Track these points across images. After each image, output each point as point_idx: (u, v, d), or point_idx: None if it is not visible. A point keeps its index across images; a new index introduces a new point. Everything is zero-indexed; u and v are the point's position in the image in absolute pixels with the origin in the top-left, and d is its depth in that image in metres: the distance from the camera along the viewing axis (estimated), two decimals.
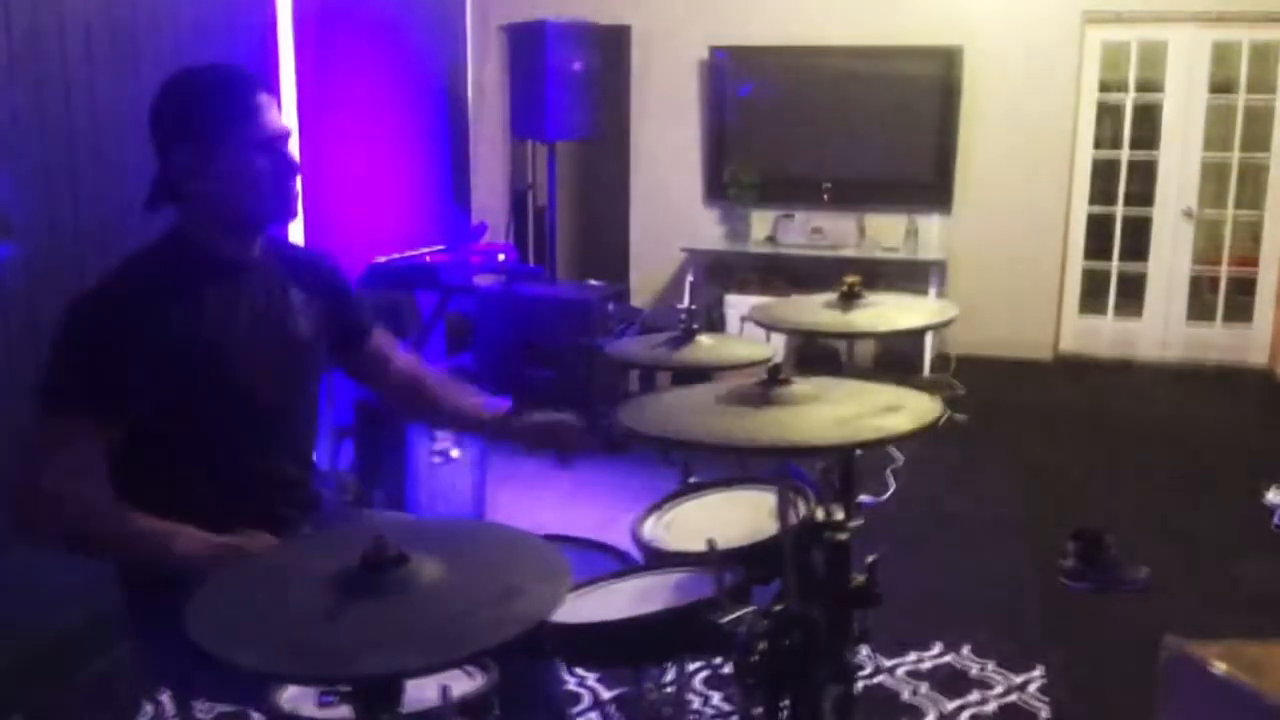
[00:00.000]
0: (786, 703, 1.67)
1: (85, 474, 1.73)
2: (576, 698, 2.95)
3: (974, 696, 2.99)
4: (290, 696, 1.55)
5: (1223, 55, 6.55)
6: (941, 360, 6.58)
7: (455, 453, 4.02)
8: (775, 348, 2.56)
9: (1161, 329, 6.85)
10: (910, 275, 6.50)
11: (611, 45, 6.81)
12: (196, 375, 1.81)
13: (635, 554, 2.02)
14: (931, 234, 6.81)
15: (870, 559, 1.77)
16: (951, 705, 2.95)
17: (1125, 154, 6.77)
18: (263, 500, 1.91)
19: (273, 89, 1.93)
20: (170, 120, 1.85)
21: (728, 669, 1.67)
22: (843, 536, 1.71)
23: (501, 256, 5.96)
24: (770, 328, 2.50)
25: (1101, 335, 6.93)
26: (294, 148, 1.94)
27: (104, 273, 1.87)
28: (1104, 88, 6.71)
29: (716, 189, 7.10)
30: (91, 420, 1.75)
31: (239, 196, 1.86)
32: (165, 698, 2.87)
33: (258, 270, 1.95)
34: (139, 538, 1.73)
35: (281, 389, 1.96)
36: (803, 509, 1.88)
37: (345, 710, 1.32)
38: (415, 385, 2.26)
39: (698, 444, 1.72)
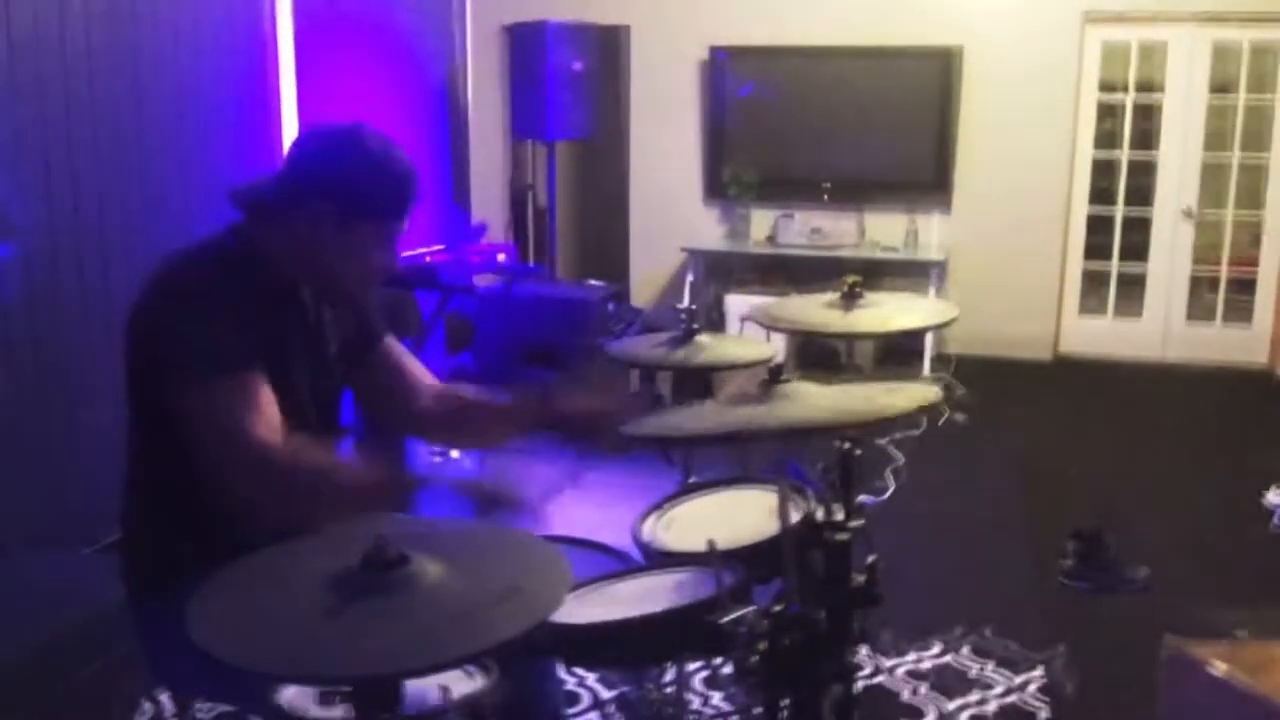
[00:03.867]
0: (786, 703, 1.67)
1: (277, 424, 1.70)
2: (576, 698, 2.95)
3: (974, 696, 2.99)
4: (290, 696, 1.55)
5: (1222, 55, 6.54)
6: (941, 360, 6.58)
7: (455, 453, 4.02)
8: (775, 347, 2.56)
9: (1161, 329, 6.85)
10: (910, 275, 6.50)
11: (611, 45, 6.82)
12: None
13: (635, 554, 2.02)
14: (931, 234, 6.81)
15: (870, 559, 1.77)
16: (952, 705, 2.94)
17: (1125, 154, 6.76)
18: None
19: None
20: (334, 174, 1.82)
21: (728, 669, 1.67)
22: (843, 536, 1.71)
23: (501, 256, 5.95)
24: (770, 327, 2.50)
25: (1101, 335, 6.93)
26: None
27: (185, 260, 1.83)
28: (1104, 88, 6.70)
29: (716, 189, 7.10)
30: (264, 374, 1.73)
31: (340, 271, 1.86)
32: (165, 698, 2.87)
33: (301, 296, 1.95)
34: (362, 496, 1.67)
35: (319, 411, 1.96)
36: (803, 508, 1.88)
37: (345, 710, 1.32)
38: (445, 394, 2.16)
39: (700, 439, 1.72)
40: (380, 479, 1.70)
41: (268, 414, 1.70)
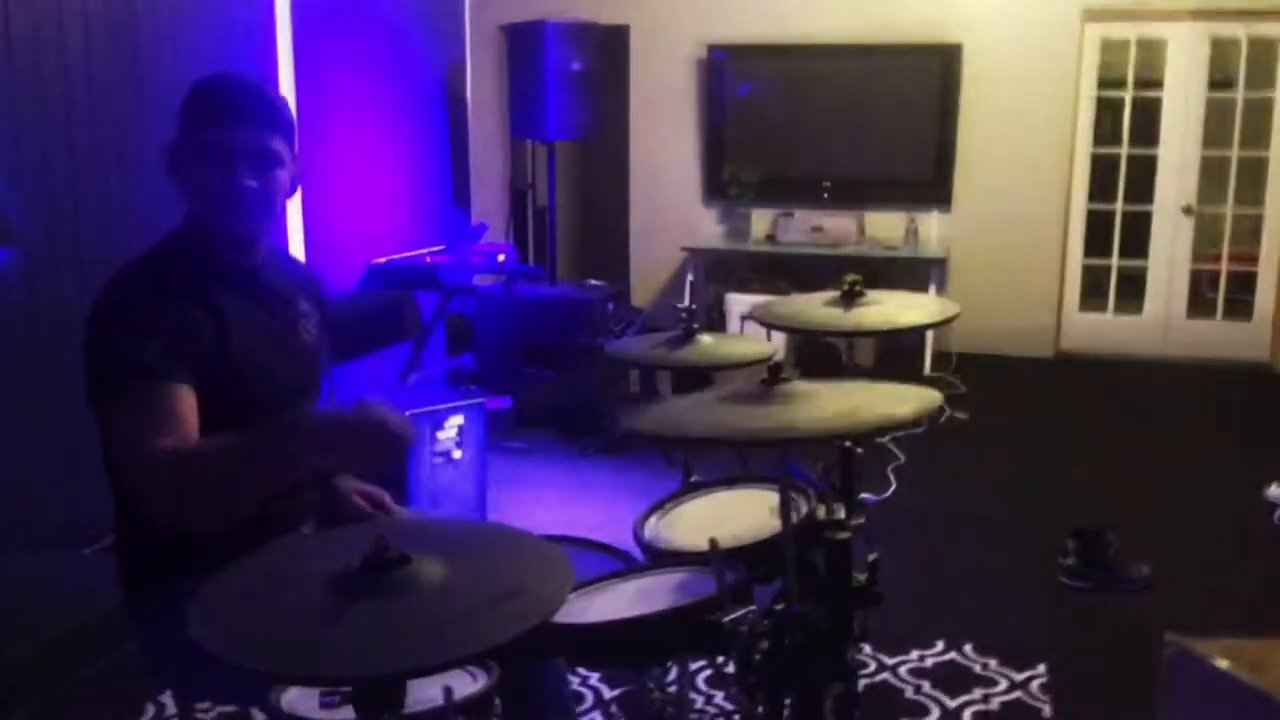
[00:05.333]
0: (789, 702, 1.67)
1: (187, 432, 1.68)
2: (579, 697, 2.95)
3: (977, 694, 2.99)
4: (292, 698, 1.55)
5: (1221, 51, 6.54)
6: (942, 358, 6.58)
7: (457, 453, 4.02)
8: (775, 346, 2.56)
9: (1162, 325, 6.85)
10: (910, 273, 6.50)
11: (610, 45, 6.81)
12: (216, 382, 1.79)
13: (637, 553, 2.02)
14: (931, 232, 6.81)
15: (871, 557, 1.77)
16: (954, 703, 2.94)
17: (1124, 150, 6.76)
18: (267, 505, 1.91)
19: (282, 109, 1.90)
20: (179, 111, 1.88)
21: (730, 668, 1.67)
22: (844, 535, 1.71)
23: (501, 256, 5.96)
24: (770, 326, 2.50)
25: (1102, 332, 6.93)
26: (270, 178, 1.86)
27: (125, 268, 1.86)
28: (1103, 84, 6.70)
29: (716, 188, 7.10)
30: (181, 383, 1.71)
31: (201, 203, 1.87)
32: (167, 698, 2.87)
33: (266, 280, 1.96)
34: (272, 446, 1.63)
35: (288, 397, 1.96)
36: (804, 508, 1.88)
37: (347, 711, 1.32)
38: None
39: (701, 441, 1.72)
40: (270, 441, 1.66)
41: (176, 423, 1.68)
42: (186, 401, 1.71)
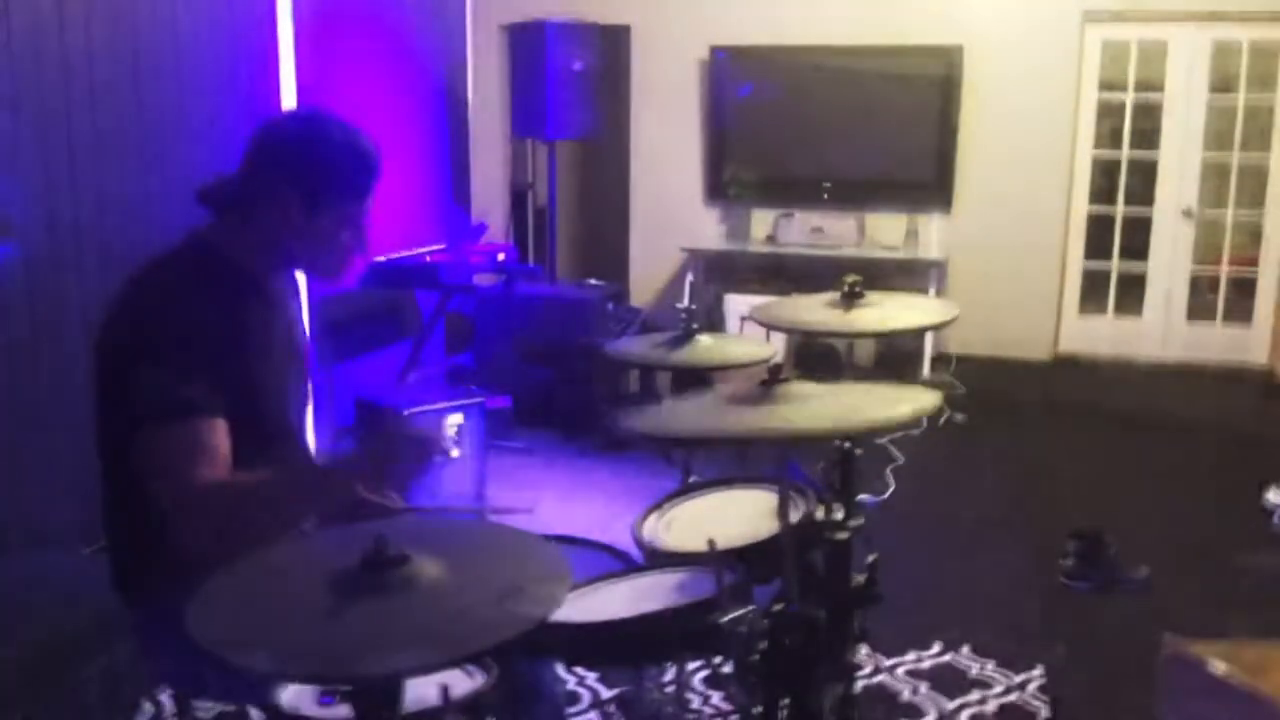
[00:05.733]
0: (786, 702, 1.67)
1: (226, 464, 1.73)
2: (577, 697, 2.95)
3: (974, 696, 2.99)
4: (290, 696, 1.55)
5: (1223, 54, 6.54)
6: (941, 360, 6.58)
7: (455, 452, 4.02)
8: (775, 347, 2.56)
9: (1161, 329, 6.84)
10: (910, 275, 6.49)
11: (611, 45, 6.82)
12: (240, 390, 1.80)
13: (635, 553, 2.02)
14: (931, 234, 6.81)
15: (870, 558, 1.77)
16: (951, 705, 2.95)
17: (1125, 153, 6.76)
18: None
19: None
20: (296, 160, 1.84)
21: (728, 668, 1.67)
22: (843, 536, 1.71)
23: (501, 256, 5.95)
24: (770, 327, 2.50)
25: (1101, 335, 6.93)
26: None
27: (156, 279, 1.84)
28: (1104, 87, 6.70)
29: (716, 188, 7.09)
30: (219, 418, 1.74)
31: (312, 256, 1.89)
32: (166, 697, 2.88)
33: (275, 286, 1.97)
34: (307, 492, 1.73)
35: (297, 400, 1.98)
36: (803, 508, 1.88)
37: (345, 710, 1.32)
38: None
39: (702, 439, 1.72)
40: (318, 482, 1.78)
41: (217, 456, 1.72)
42: (222, 432, 1.74)
